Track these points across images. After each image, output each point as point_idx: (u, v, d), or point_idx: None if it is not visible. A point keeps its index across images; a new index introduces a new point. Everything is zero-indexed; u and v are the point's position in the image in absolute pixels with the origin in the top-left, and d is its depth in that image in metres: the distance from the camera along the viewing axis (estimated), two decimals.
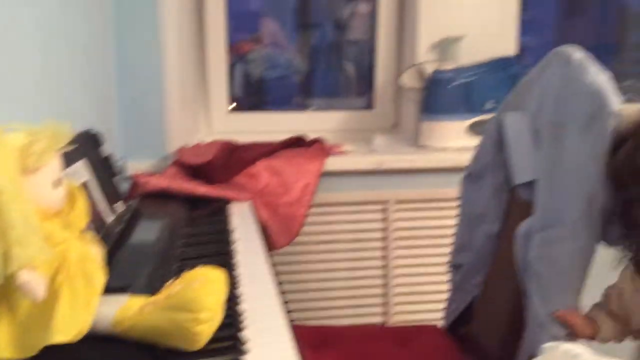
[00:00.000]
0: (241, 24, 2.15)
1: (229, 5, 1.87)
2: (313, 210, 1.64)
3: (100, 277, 0.65)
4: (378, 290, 1.77)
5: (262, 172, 1.53)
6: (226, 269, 0.72)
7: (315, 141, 1.69)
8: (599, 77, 0.94)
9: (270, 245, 1.44)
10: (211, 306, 0.64)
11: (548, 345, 0.57)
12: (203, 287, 0.65)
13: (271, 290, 0.86)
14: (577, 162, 0.94)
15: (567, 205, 0.95)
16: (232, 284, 0.85)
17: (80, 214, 0.71)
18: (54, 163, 0.67)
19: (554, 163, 0.97)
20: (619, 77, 2.15)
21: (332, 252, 1.73)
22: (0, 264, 0.57)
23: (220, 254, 0.99)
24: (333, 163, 1.65)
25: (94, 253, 0.68)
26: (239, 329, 0.71)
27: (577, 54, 0.98)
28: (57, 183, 0.66)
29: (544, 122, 1.00)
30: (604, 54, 2.47)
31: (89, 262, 0.64)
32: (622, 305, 0.98)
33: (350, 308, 1.76)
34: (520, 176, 1.05)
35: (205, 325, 0.63)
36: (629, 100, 2.10)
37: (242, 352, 0.65)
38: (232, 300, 0.78)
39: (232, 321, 0.72)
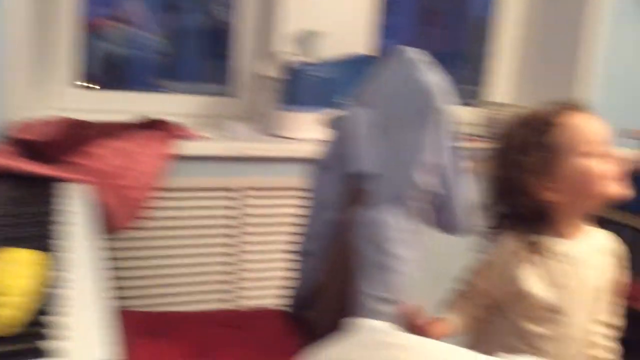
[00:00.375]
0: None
1: None
2: (163, 194, 1.59)
3: None
4: (227, 277, 1.76)
5: (105, 152, 1.44)
6: (49, 252, 0.68)
7: (165, 124, 1.63)
8: (433, 77, 1.00)
9: (111, 228, 1.37)
10: (20, 290, 0.59)
11: (354, 320, 0.60)
12: (12, 269, 0.60)
13: (98, 275, 0.82)
14: (410, 153, 1.00)
15: (399, 193, 1.01)
16: (54, 268, 0.79)
17: None
18: None
19: (390, 153, 1.02)
20: (463, 82, 2.32)
21: (181, 238, 1.70)
22: None
23: (44, 236, 0.93)
24: (187, 147, 1.61)
25: None
26: (56, 315, 0.67)
27: (416, 55, 1.04)
28: None
29: (383, 115, 1.05)
30: (454, 60, 2.67)
31: None
32: (490, 279, 1.09)
33: (200, 294, 1.74)
34: (362, 166, 1.09)
35: (13, 310, 0.59)
36: (466, 104, 2.30)
37: (58, 338, 0.61)
38: (52, 285, 0.73)
39: (49, 306, 0.67)
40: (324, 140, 1.30)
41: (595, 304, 1.07)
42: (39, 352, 0.58)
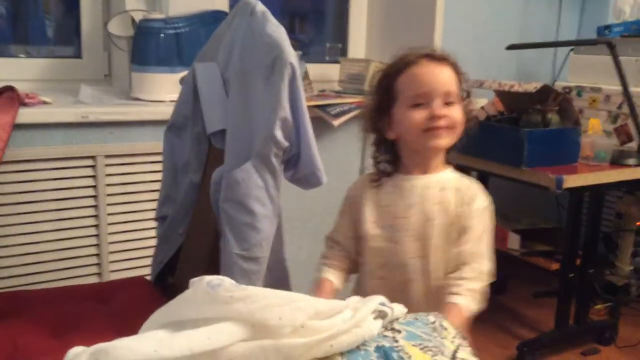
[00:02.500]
0: None
1: None
2: (8, 167, 1.48)
3: None
4: (91, 250, 1.68)
5: None
6: None
7: (6, 90, 1.50)
8: (278, 29, 0.99)
9: None
10: None
11: (194, 279, 0.60)
12: None
13: None
14: (260, 107, 0.99)
15: (250, 148, 1.00)
16: None
17: None
18: None
19: (241, 110, 1.01)
20: (325, 40, 2.32)
21: (35, 213, 1.58)
22: None
23: None
24: (32, 114, 1.50)
25: None
26: None
27: (259, 6, 1.03)
28: None
29: (232, 71, 1.03)
30: (315, 17, 2.68)
31: None
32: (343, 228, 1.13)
33: (61, 271, 1.65)
34: (213, 125, 1.07)
35: None
36: (328, 61, 2.33)
37: None
38: None
39: None
40: (175, 101, 1.26)
41: (439, 244, 1.05)
42: None
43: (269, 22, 0.99)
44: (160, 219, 1.30)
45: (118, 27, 1.73)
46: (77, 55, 1.86)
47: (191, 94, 1.17)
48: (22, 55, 1.88)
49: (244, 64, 1.02)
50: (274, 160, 1.02)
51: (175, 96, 1.67)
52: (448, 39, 2.16)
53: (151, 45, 1.66)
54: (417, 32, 2.23)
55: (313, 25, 2.72)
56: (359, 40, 2.39)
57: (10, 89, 1.51)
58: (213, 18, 1.75)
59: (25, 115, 1.48)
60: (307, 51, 2.51)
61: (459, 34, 2.23)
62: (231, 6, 1.95)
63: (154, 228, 1.37)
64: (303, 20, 2.72)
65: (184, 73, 1.68)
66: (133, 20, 1.73)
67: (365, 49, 2.40)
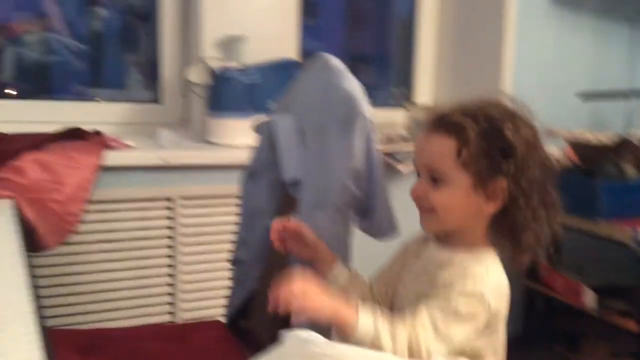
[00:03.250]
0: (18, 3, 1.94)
1: None
2: (92, 207, 1.55)
3: None
4: (165, 289, 1.73)
5: (30, 165, 1.40)
6: None
7: (92, 134, 1.59)
8: (354, 84, 1.03)
9: (38, 245, 1.33)
10: None
11: (286, 333, 0.61)
12: None
13: (23, 295, 0.80)
14: (336, 158, 1.02)
15: (324, 198, 1.03)
16: None
17: None
18: None
19: (316, 160, 1.04)
20: (389, 84, 2.36)
21: (114, 252, 1.65)
22: None
23: None
24: (115, 157, 1.58)
25: None
26: None
27: (335, 61, 1.07)
28: None
29: (308, 123, 1.07)
30: (380, 62, 2.73)
31: None
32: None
33: (136, 309, 1.70)
34: (289, 174, 1.11)
35: None
36: (392, 105, 2.36)
37: None
38: None
39: None
40: (252, 147, 1.31)
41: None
42: None
43: (345, 77, 1.04)
44: (235, 262, 1.33)
45: (195, 75, 1.81)
46: (155, 99, 1.96)
47: (267, 142, 1.21)
48: (97, 99, 2.00)
49: (320, 116, 1.06)
50: (348, 211, 1.04)
51: (248, 141, 1.76)
52: (517, 84, 2.15)
53: (226, 93, 1.73)
54: (485, 77, 2.23)
55: (377, 68, 2.77)
56: (426, 84, 2.42)
57: (97, 133, 1.61)
58: (284, 68, 1.82)
59: (110, 157, 1.57)
60: (371, 94, 2.55)
61: (528, 79, 2.22)
62: (303, 54, 2.02)
63: (228, 270, 1.41)
64: (367, 63, 2.77)
65: (257, 120, 1.77)
66: (209, 67, 1.82)
67: (432, 93, 2.42)
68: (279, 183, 1.22)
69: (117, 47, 2.16)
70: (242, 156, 1.66)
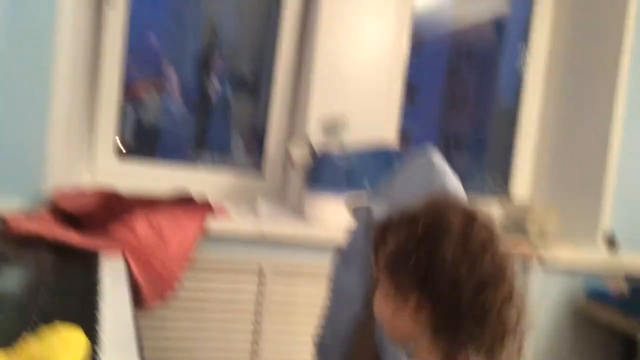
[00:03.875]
0: (140, 61, 2.11)
1: (129, 41, 1.85)
2: (191, 272, 1.63)
3: None
4: (250, 358, 1.76)
5: (140, 224, 1.50)
6: (89, 329, 0.71)
7: (200, 200, 1.70)
8: (457, 185, 1.06)
9: (141, 302, 1.41)
10: None
11: None
12: (60, 347, 0.65)
13: (133, 351, 0.85)
14: None
15: None
16: (93, 347, 0.83)
17: None
18: None
19: None
20: (485, 170, 2.34)
21: (203, 321, 1.72)
22: None
23: (84, 310, 0.97)
24: (216, 225, 1.67)
25: None
26: None
27: (438, 160, 1.10)
28: None
29: None
30: (477, 147, 2.73)
31: None
32: None
33: None
34: None
35: None
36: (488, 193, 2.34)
37: None
38: None
39: None
40: (347, 230, 1.34)
41: None
42: None
43: (449, 177, 1.06)
44: (319, 345, 1.34)
45: (298, 150, 1.90)
46: (257, 168, 2.06)
47: (363, 229, 1.24)
48: (201, 164, 2.12)
49: None
50: None
51: (342, 221, 1.81)
52: (621, 185, 2.10)
53: (324, 172, 1.81)
54: (586, 174, 2.18)
55: (473, 153, 2.76)
56: (524, 175, 2.38)
57: (203, 199, 1.71)
58: (384, 156, 1.87)
59: (211, 224, 1.66)
60: (464, 180, 2.54)
61: (633, 179, 2.15)
62: (401, 137, 2.08)
63: (311, 349, 1.41)
64: (463, 147, 2.77)
65: (353, 202, 1.82)
66: (311, 145, 1.90)
67: (529, 185, 2.38)
68: (370, 272, 1.24)
69: (224, 114, 2.30)
70: (336, 235, 1.72)
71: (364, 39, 1.92)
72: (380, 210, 1.21)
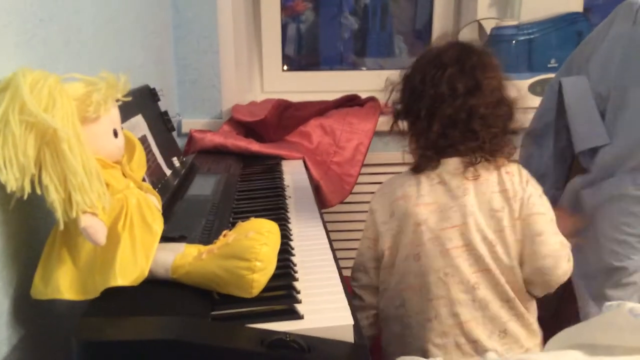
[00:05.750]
0: None
1: None
2: (363, 169, 1.63)
3: (158, 225, 0.66)
4: None
5: (314, 130, 1.52)
6: (279, 223, 0.72)
7: (369, 100, 1.66)
8: None
9: (322, 203, 1.44)
10: (266, 256, 0.64)
11: (611, 303, 0.55)
12: (258, 237, 0.65)
13: (323, 244, 0.86)
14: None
15: (620, 164, 0.91)
16: (286, 237, 0.85)
17: (139, 164, 0.73)
18: (113, 113, 0.68)
19: (617, 125, 0.92)
20: None
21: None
22: (62, 209, 0.59)
23: (273, 208, 1.00)
24: (384, 124, 1.62)
25: (152, 202, 0.69)
26: (293, 279, 0.71)
27: None
28: (116, 133, 0.68)
29: (607, 86, 0.95)
30: None
31: (148, 210, 0.66)
32: None
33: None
34: (583, 143, 1.00)
35: (260, 274, 0.64)
36: None
37: (295, 301, 0.65)
38: (286, 252, 0.79)
39: (285, 272, 0.72)
40: (534, 109, 1.22)
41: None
42: (288, 312, 0.62)
43: None
44: None
45: (468, 36, 1.76)
46: None
47: (554, 104, 1.11)
48: (363, 68, 2.07)
49: (624, 78, 0.92)
50: None
51: (522, 103, 1.66)
52: None
53: (502, 52, 1.65)
54: None
55: None
56: None
57: (372, 99, 1.67)
58: (567, 21, 1.65)
59: (381, 124, 1.62)
60: None
61: None
62: (586, 7, 1.82)
63: None
64: None
65: (537, 79, 1.65)
66: (482, 28, 1.75)
67: None
68: (567, 151, 1.12)
69: (383, 17, 2.22)
70: (517, 118, 1.59)
71: None
72: (574, 83, 1.06)
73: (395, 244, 0.94)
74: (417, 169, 0.96)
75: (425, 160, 0.94)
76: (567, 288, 1.01)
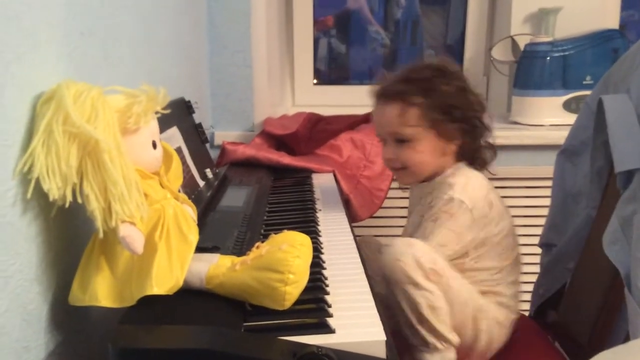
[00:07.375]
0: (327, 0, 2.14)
1: None
2: (393, 184, 1.62)
3: (194, 235, 0.67)
4: None
5: (345, 144, 1.53)
6: (310, 236, 0.73)
7: None
8: None
9: (352, 216, 1.44)
10: (298, 268, 0.65)
11: None
12: (291, 249, 0.66)
13: (354, 258, 0.86)
14: None
15: None
16: (317, 250, 0.85)
17: (176, 175, 0.74)
18: (153, 125, 0.69)
19: None
20: None
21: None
22: (102, 218, 0.60)
23: (304, 221, 1.01)
24: None
25: (188, 212, 0.71)
26: (324, 293, 0.71)
27: None
28: (155, 144, 0.69)
29: None
30: None
31: (184, 220, 0.67)
32: None
33: None
34: (623, 164, 0.97)
35: (293, 286, 0.64)
36: None
37: (327, 315, 0.66)
38: (317, 265, 0.79)
39: (317, 285, 0.72)
40: (568, 126, 1.20)
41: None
42: (320, 326, 0.62)
43: None
44: (544, 245, 1.25)
45: (501, 52, 1.75)
46: None
47: (592, 122, 1.09)
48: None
49: None
50: None
51: (556, 120, 1.64)
52: None
53: (536, 69, 1.63)
54: None
55: None
56: None
57: None
58: (602, 38, 1.63)
59: None
60: None
61: None
62: (622, 24, 1.80)
63: (532, 254, 1.33)
64: None
65: (571, 96, 1.63)
66: (515, 44, 1.73)
67: None
68: (605, 170, 1.09)
69: (414, 31, 2.22)
70: (551, 136, 1.57)
71: None
72: (615, 100, 1.04)
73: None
74: (483, 165, 1.12)
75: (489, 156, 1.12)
76: (609, 297, 0.99)
